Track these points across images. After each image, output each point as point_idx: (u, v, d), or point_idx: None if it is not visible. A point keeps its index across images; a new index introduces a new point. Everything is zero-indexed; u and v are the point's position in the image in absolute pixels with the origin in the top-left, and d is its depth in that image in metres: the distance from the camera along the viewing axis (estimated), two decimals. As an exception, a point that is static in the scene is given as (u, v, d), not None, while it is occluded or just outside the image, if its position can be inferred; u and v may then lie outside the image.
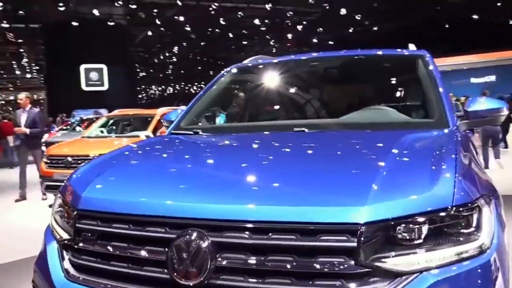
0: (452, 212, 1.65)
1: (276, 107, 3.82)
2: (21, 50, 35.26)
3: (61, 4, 23.55)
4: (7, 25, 26.29)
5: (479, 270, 1.62)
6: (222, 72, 3.81)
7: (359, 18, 27.49)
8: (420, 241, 1.61)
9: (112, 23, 27.29)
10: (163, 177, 2.13)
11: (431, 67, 3.14)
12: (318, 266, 1.56)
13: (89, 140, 9.20)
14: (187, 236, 1.67)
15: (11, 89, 55.60)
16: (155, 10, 26.26)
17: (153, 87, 61.31)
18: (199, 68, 46.76)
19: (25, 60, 39.50)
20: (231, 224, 1.66)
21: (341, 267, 1.55)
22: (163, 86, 59.30)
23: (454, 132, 2.49)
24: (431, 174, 1.79)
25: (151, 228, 1.78)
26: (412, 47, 3.70)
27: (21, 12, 24.19)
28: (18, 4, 23.35)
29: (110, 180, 2.16)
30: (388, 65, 3.66)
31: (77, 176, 2.31)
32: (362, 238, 1.55)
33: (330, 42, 34.15)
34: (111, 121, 11.08)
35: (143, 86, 58.09)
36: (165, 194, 1.89)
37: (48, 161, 8.14)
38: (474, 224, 1.69)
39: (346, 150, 2.35)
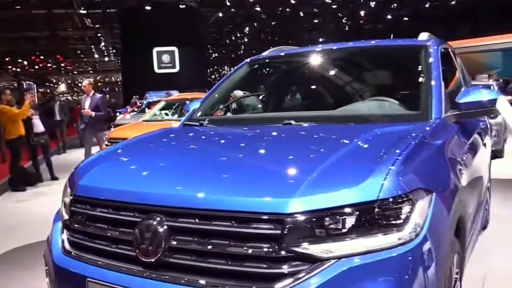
0: (377, 204, 1.77)
1: (281, 99, 3.99)
2: (99, 34, 36.70)
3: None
4: (84, 11, 27.65)
5: (395, 262, 1.74)
6: (239, 64, 4.02)
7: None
8: (344, 230, 1.76)
9: (183, 6, 27.80)
10: (140, 168, 2.42)
11: (430, 58, 3.14)
12: (249, 250, 1.78)
13: (148, 123, 9.54)
14: (149, 220, 1.96)
15: (91, 71, 58.47)
16: (226, -9, 26.57)
17: (225, 67, 62.11)
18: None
19: (102, 44, 41.13)
20: (182, 211, 1.93)
21: (267, 251, 1.76)
22: (235, 67, 59.76)
23: (430, 125, 2.55)
24: (367, 168, 1.91)
25: (124, 212, 2.09)
26: (423, 36, 3.63)
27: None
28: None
29: (101, 171, 2.50)
30: (390, 56, 3.67)
31: (81, 165, 2.67)
32: (287, 227, 1.75)
33: (405, 18, 33.02)
34: (176, 104, 11.36)
35: (215, 67, 59.02)
36: (136, 184, 2.19)
37: (109, 144, 8.45)
38: (402, 216, 1.80)
39: (308, 143, 2.51)
